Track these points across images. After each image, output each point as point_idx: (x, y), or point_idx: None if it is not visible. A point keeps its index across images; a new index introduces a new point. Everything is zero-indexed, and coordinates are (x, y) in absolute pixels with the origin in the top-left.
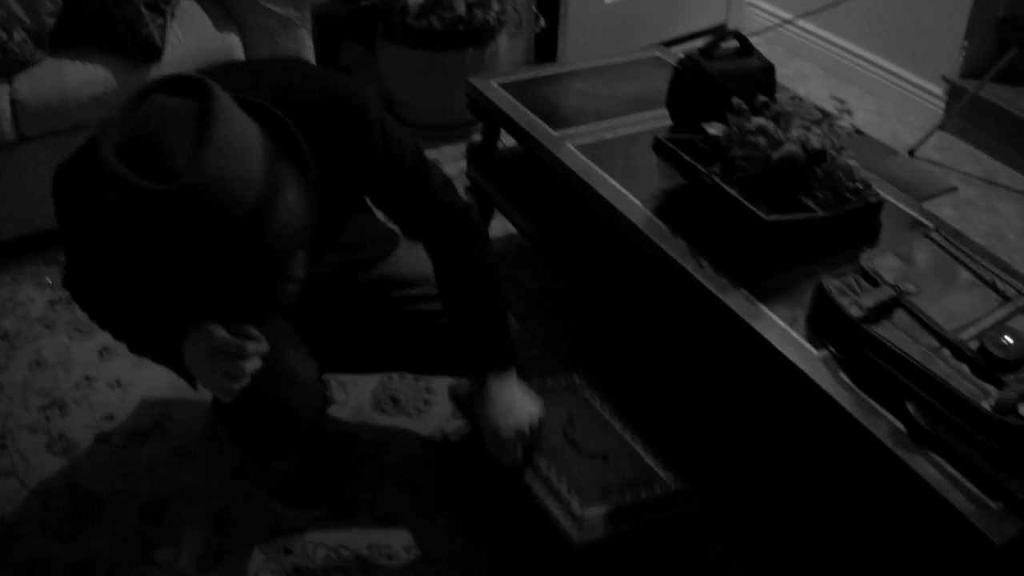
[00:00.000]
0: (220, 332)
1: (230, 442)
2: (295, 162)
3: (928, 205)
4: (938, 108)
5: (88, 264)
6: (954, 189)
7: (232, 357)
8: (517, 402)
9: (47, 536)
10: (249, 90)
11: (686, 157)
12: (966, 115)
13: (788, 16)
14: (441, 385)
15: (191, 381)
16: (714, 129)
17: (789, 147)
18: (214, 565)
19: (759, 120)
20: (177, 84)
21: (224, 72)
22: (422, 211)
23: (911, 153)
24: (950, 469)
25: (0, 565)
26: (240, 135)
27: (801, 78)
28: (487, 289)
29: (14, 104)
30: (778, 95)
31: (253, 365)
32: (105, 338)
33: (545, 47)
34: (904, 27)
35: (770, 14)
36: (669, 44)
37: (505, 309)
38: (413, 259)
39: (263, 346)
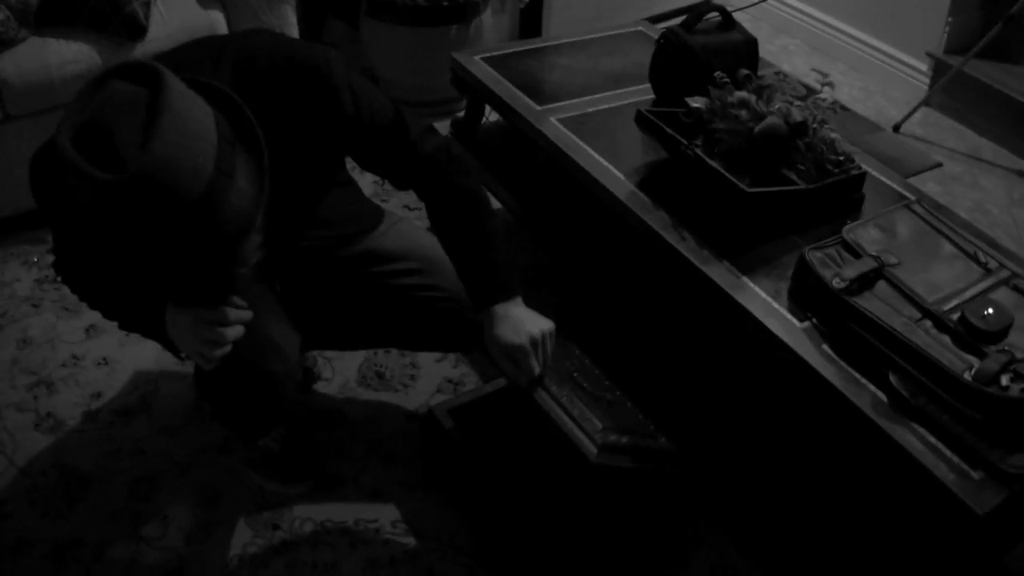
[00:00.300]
0: (205, 313)
1: (212, 419)
2: (249, 147)
3: (913, 181)
4: (923, 84)
5: (71, 245)
6: (939, 165)
7: (214, 324)
8: (527, 318)
9: (36, 514)
10: (212, 67)
11: (668, 130)
12: (951, 91)
13: None
14: (427, 360)
15: (176, 352)
16: (696, 102)
17: (771, 120)
18: (202, 540)
19: (741, 93)
20: (133, 71)
21: (190, 49)
22: (406, 164)
23: (896, 129)
24: (932, 439)
25: None
26: (191, 122)
27: (786, 54)
28: (480, 222)
29: None
30: (763, 71)
31: (235, 332)
32: (92, 316)
33: (529, 23)
34: (889, 3)
35: None
36: (654, 20)
37: (502, 239)
38: (396, 233)
39: (245, 314)
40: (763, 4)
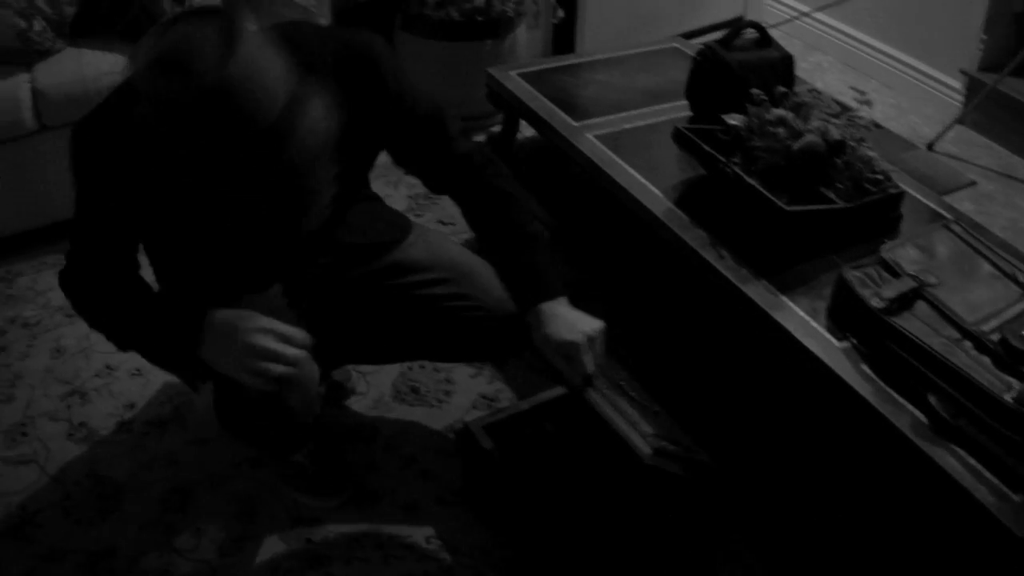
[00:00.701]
0: (267, 322)
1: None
2: (317, 77)
3: (947, 199)
4: (956, 102)
5: (98, 233)
6: (973, 183)
7: (268, 357)
8: (578, 317)
9: (69, 523)
10: None
11: (707, 147)
12: (984, 109)
13: (803, 7)
14: (462, 375)
15: (191, 380)
16: (734, 120)
17: (809, 138)
18: (236, 553)
19: (779, 111)
20: (199, 12)
21: None
22: (443, 160)
23: (930, 147)
24: (972, 461)
25: (22, 552)
26: (265, 48)
27: (819, 71)
28: (522, 222)
29: (35, 93)
30: (796, 88)
31: (285, 371)
32: None
33: (562, 39)
34: (922, 20)
35: (787, 6)
36: (687, 36)
37: (545, 240)
38: (424, 244)
39: (301, 353)
40: (796, 21)
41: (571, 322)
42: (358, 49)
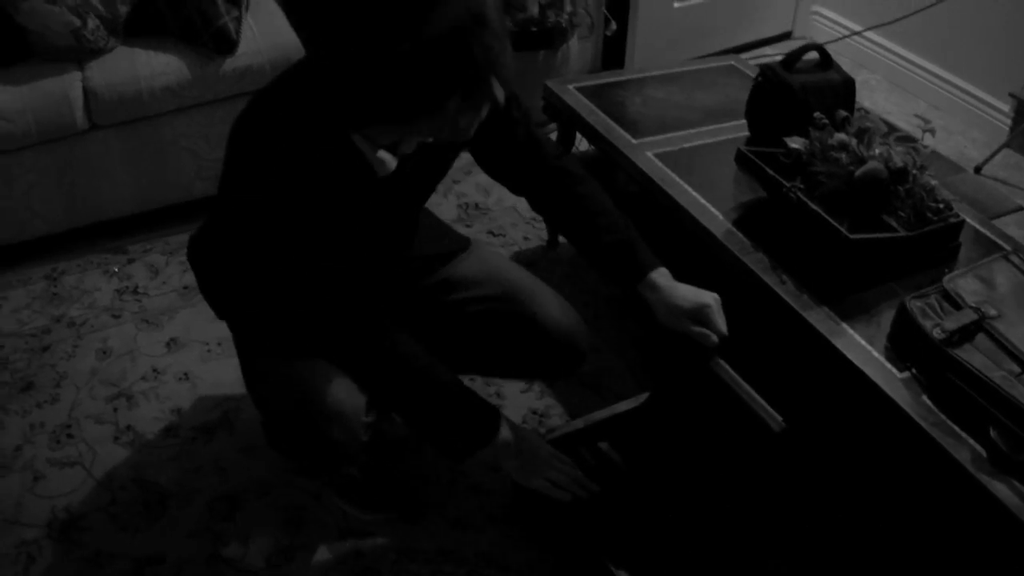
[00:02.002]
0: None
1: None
2: None
3: (995, 224)
4: (1004, 125)
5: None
6: (1021, 208)
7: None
8: (693, 287)
9: (115, 528)
10: None
11: (770, 171)
12: None
13: (852, 25)
14: (512, 391)
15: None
16: (795, 143)
17: (872, 164)
18: (283, 563)
19: (841, 136)
20: None
21: None
22: (522, 146)
23: (977, 170)
24: None
25: (68, 555)
26: None
27: (867, 90)
28: (604, 202)
29: (86, 92)
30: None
31: (564, 495)
32: (173, 330)
33: (613, 50)
34: (972, 42)
35: (835, 23)
36: (736, 50)
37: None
38: (476, 260)
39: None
40: (845, 39)
41: (692, 288)
42: None
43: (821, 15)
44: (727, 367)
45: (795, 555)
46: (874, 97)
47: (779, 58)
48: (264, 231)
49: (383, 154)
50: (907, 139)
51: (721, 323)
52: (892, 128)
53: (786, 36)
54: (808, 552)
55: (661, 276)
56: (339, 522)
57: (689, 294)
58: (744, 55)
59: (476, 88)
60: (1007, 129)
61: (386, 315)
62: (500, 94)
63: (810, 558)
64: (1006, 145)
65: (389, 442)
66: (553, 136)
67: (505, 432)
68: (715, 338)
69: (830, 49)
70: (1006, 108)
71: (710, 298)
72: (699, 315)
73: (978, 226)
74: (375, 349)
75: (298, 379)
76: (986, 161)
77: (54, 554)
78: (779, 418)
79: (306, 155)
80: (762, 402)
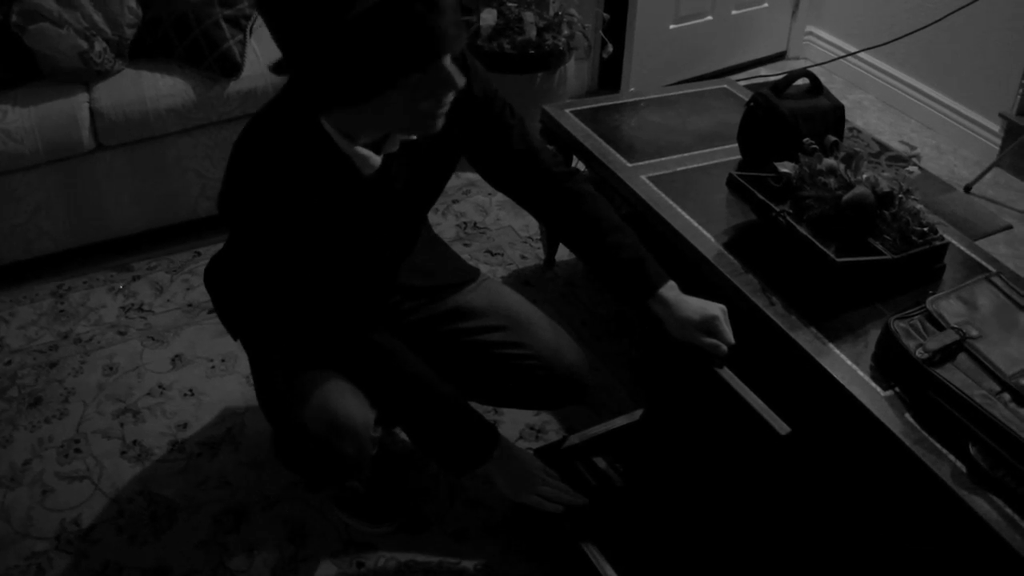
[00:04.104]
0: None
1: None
2: None
3: (983, 243)
4: (994, 145)
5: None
6: (1009, 227)
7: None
8: (701, 299)
9: (123, 540)
10: None
11: (760, 196)
12: (1022, 153)
13: (846, 46)
14: (511, 409)
15: (454, 470)
16: (785, 168)
17: (859, 190)
18: (288, 574)
19: (830, 161)
20: None
21: None
22: (526, 161)
23: (967, 189)
24: (1009, 511)
25: (77, 567)
26: None
27: (859, 109)
28: (612, 218)
29: (93, 113)
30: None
31: (557, 507)
32: (178, 346)
33: (609, 71)
34: (963, 63)
35: (829, 44)
36: (731, 71)
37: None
38: (483, 291)
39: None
40: (838, 60)
41: (700, 301)
42: None
43: (815, 35)
44: (733, 375)
45: (794, 562)
46: (866, 117)
47: (773, 79)
48: (263, 237)
49: (363, 151)
50: (898, 159)
51: (729, 333)
52: (884, 148)
53: (780, 56)
54: (806, 559)
55: (670, 290)
56: (342, 534)
57: (698, 306)
58: (738, 75)
59: (426, 62)
60: (997, 149)
61: (392, 328)
62: (459, 79)
63: (808, 565)
64: (996, 164)
65: (392, 456)
66: None
67: (501, 451)
68: (724, 348)
69: (823, 69)
70: (996, 128)
71: (718, 309)
72: (708, 326)
73: (963, 248)
74: (379, 359)
75: (310, 394)
76: (976, 180)
77: (63, 566)
78: (783, 423)
79: (292, 160)
80: (767, 408)
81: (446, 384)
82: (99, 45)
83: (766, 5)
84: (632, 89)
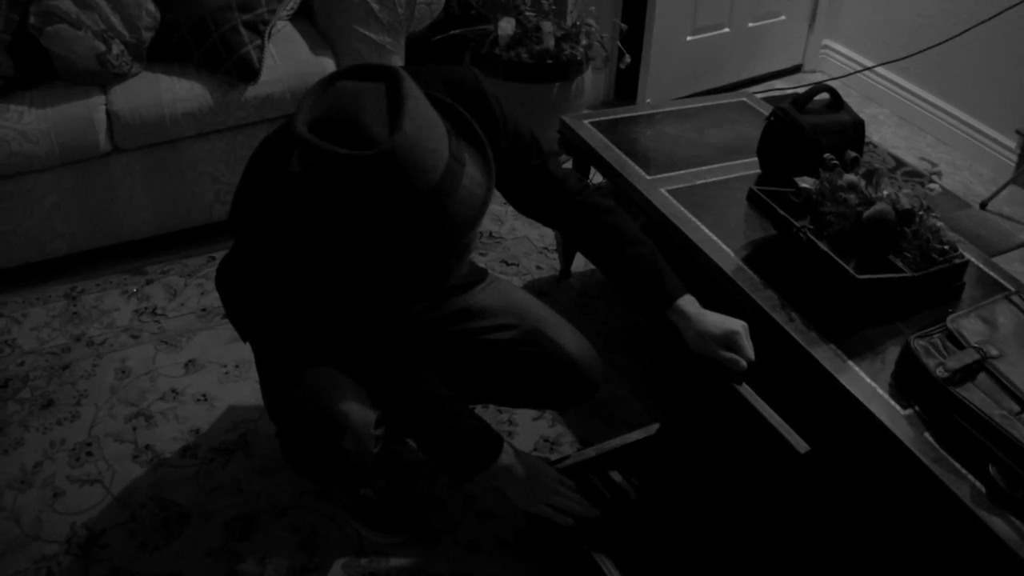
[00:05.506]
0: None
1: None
2: (471, 142)
3: (998, 260)
4: (1011, 161)
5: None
6: None
7: (570, 504)
8: (721, 314)
9: (134, 545)
10: None
11: (781, 211)
12: None
13: (862, 60)
14: (524, 418)
15: (456, 475)
16: (806, 183)
17: (880, 206)
18: None
19: (850, 177)
20: (362, 71)
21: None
22: (545, 182)
23: (983, 206)
24: None
25: (87, 571)
26: (427, 111)
27: (875, 124)
28: (631, 231)
29: (110, 115)
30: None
31: (567, 520)
32: (192, 351)
33: (625, 82)
34: (980, 79)
35: (845, 57)
36: (746, 84)
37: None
38: (493, 290)
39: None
40: (854, 73)
41: (720, 316)
42: (468, 87)
43: (831, 49)
44: (752, 391)
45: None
46: (882, 132)
47: (789, 92)
48: (273, 262)
49: None
50: (914, 175)
51: (749, 348)
52: (899, 163)
53: (796, 69)
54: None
55: (689, 304)
56: (354, 543)
57: (718, 321)
58: (754, 88)
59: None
60: (1013, 165)
61: (402, 329)
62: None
63: None
64: (1012, 181)
65: (404, 465)
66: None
67: (507, 458)
68: (744, 364)
69: (839, 83)
70: (1012, 144)
71: (738, 325)
72: (728, 341)
73: (982, 266)
74: (389, 366)
75: (312, 392)
76: (992, 197)
77: (73, 570)
78: (803, 442)
79: (304, 184)
80: (786, 426)
81: (448, 389)
82: (116, 47)
83: (783, 18)
84: (648, 100)
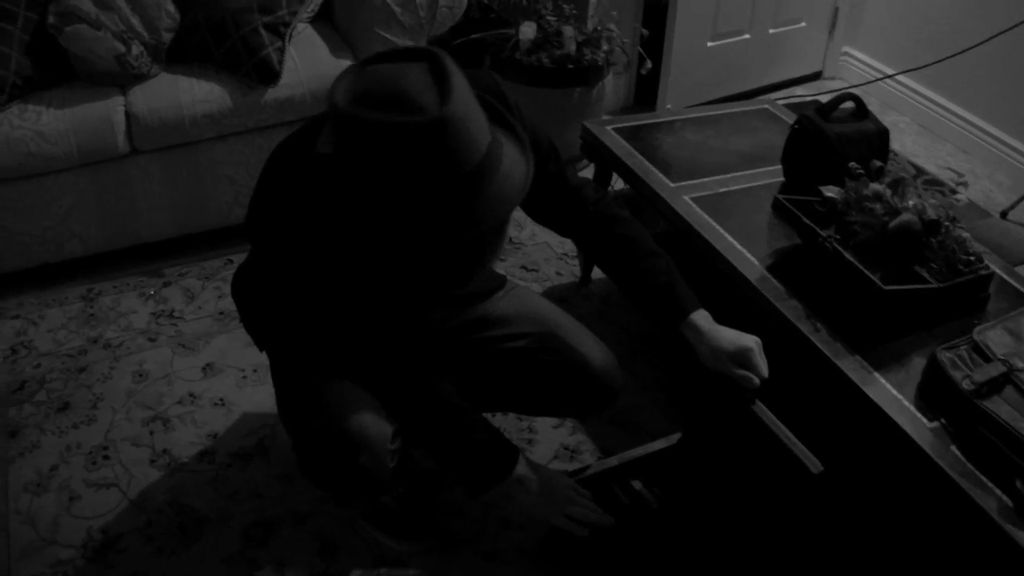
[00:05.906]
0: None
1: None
2: (504, 127)
3: (1020, 269)
4: None
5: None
6: None
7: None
8: (735, 330)
9: (151, 550)
10: None
11: (807, 220)
12: None
13: (882, 67)
14: (544, 426)
15: (471, 488)
16: (831, 192)
17: (906, 216)
18: None
19: (876, 186)
20: (398, 53)
21: None
22: (563, 190)
23: (1004, 215)
24: None
25: None
26: (470, 90)
27: (895, 132)
28: (647, 244)
29: (129, 116)
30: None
31: (583, 531)
32: (209, 355)
33: (645, 87)
34: (1001, 88)
35: (865, 64)
36: (766, 90)
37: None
38: (512, 298)
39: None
40: (874, 81)
41: (734, 331)
42: (491, 89)
43: (851, 56)
44: (766, 410)
45: None
46: (902, 140)
47: (810, 99)
48: (289, 269)
49: None
50: (935, 183)
51: (763, 366)
52: (920, 171)
53: (816, 76)
54: None
55: (702, 318)
56: (373, 551)
57: (732, 336)
58: (774, 94)
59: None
60: None
61: (418, 347)
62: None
63: None
64: None
65: (423, 472)
66: (588, 172)
67: (521, 469)
68: (757, 381)
69: (859, 90)
70: None
71: (752, 341)
72: (741, 357)
73: (1004, 275)
74: (404, 377)
75: (328, 407)
76: (1013, 206)
77: (89, 575)
78: (817, 461)
79: (319, 193)
80: (800, 445)
81: (465, 402)
82: (136, 48)
83: (803, 24)
84: (668, 106)
